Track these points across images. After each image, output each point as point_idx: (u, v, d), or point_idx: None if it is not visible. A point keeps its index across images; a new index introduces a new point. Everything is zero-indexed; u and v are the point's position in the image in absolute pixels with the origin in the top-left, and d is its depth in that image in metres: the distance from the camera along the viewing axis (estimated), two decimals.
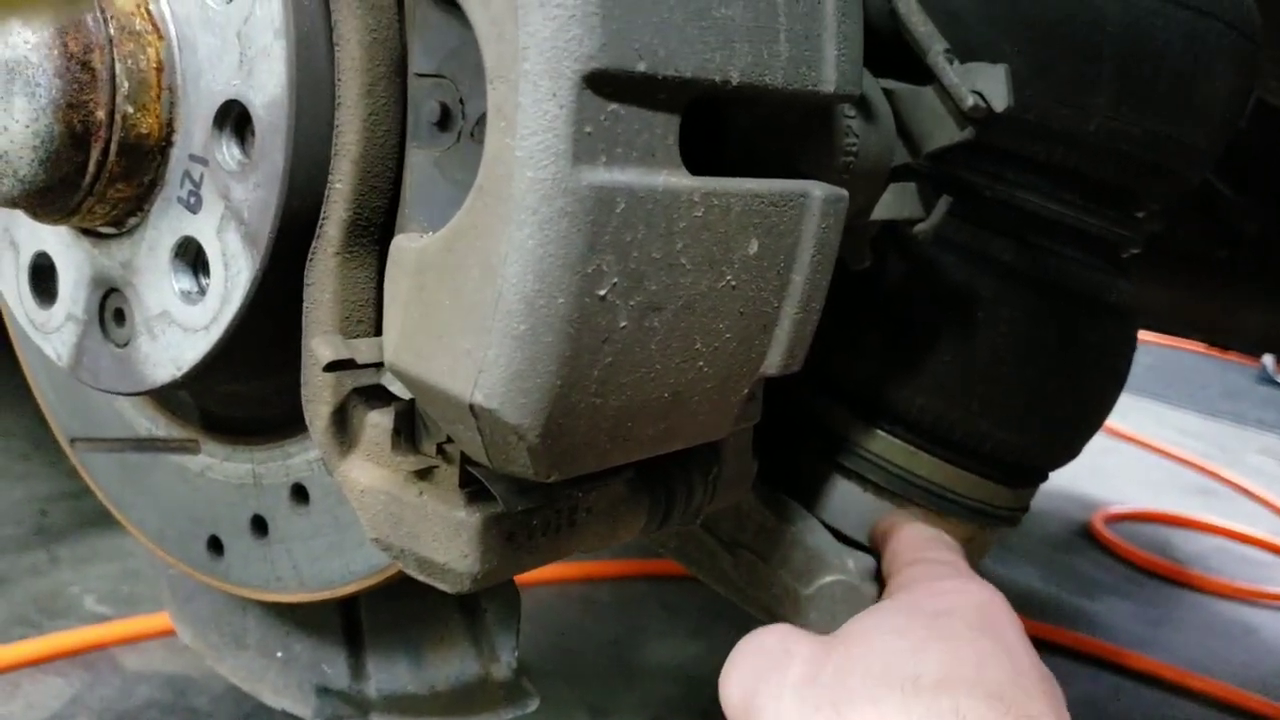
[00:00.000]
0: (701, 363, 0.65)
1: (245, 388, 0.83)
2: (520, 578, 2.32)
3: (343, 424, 0.68)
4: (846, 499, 1.02)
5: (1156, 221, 1.09)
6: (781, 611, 0.99)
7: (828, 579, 0.97)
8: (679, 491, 0.78)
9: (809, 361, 0.94)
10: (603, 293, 0.56)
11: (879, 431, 1.00)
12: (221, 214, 0.69)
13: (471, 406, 0.56)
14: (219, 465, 0.86)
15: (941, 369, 0.97)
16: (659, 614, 2.37)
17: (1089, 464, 4.02)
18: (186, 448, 0.87)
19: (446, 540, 0.64)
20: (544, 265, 0.53)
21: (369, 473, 0.67)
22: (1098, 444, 3.74)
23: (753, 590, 1.00)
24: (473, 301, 0.55)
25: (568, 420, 0.58)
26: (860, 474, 1.01)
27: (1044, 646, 2.48)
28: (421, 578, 0.67)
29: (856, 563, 0.98)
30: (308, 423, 0.68)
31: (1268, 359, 5.53)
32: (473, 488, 0.65)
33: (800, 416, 1.03)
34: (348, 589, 0.79)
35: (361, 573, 0.78)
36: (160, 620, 1.88)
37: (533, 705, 0.85)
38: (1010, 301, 0.96)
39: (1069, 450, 1.05)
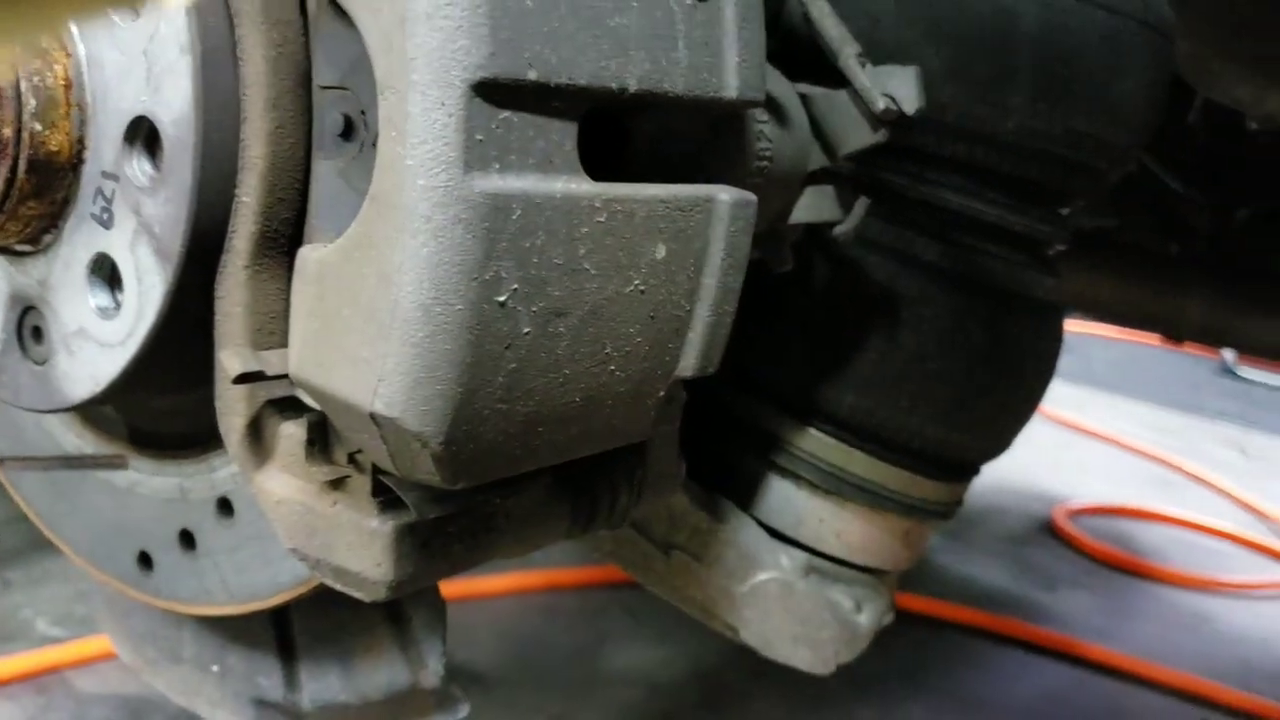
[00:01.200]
0: (613, 366, 0.65)
1: (167, 402, 0.83)
2: (482, 589, 2.31)
3: (257, 436, 0.68)
4: (781, 497, 1.03)
5: (1086, 218, 1.10)
6: (718, 611, 1.00)
7: (761, 577, 0.98)
8: (602, 495, 0.78)
9: (741, 363, 0.95)
10: (502, 299, 0.56)
11: (811, 430, 1.01)
12: (134, 229, 0.69)
13: (373, 415, 0.56)
14: (146, 480, 0.86)
15: (870, 368, 0.98)
16: (622, 621, 2.37)
17: (1051, 459, 4.04)
18: (114, 464, 0.87)
19: (360, 549, 0.65)
20: (439, 272, 0.54)
21: (284, 483, 0.67)
22: (1059, 439, 3.77)
23: (689, 591, 1.01)
24: (371, 310, 0.55)
25: (473, 427, 0.58)
26: (794, 472, 1.02)
27: (1004, 640, 2.50)
28: (338, 587, 0.67)
29: (790, 560, 0.99)
30: (223, 435, 0.68)
31: (1227, 351, 5.59)
32: (386, 497, 0.65)
33: (734, 417, 1.04)
34: (274, 600, 0.80)
35: (287, 584, 0.78)
36: None
37: (463, 711, 0.85)
38: (935, 300, 0.97)
39: (998, 444, 1.07)
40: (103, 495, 0.89)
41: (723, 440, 1.05)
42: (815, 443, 1.01)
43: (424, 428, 0.56)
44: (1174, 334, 2.45)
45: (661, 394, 0.71)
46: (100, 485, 0.89)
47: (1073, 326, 5.61)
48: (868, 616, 1.02)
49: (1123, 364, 5.65)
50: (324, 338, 0.58)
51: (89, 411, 0.89)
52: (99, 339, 0.72)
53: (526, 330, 0.58)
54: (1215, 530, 3.47)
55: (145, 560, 0.87)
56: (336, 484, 0.66)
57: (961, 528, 3.10)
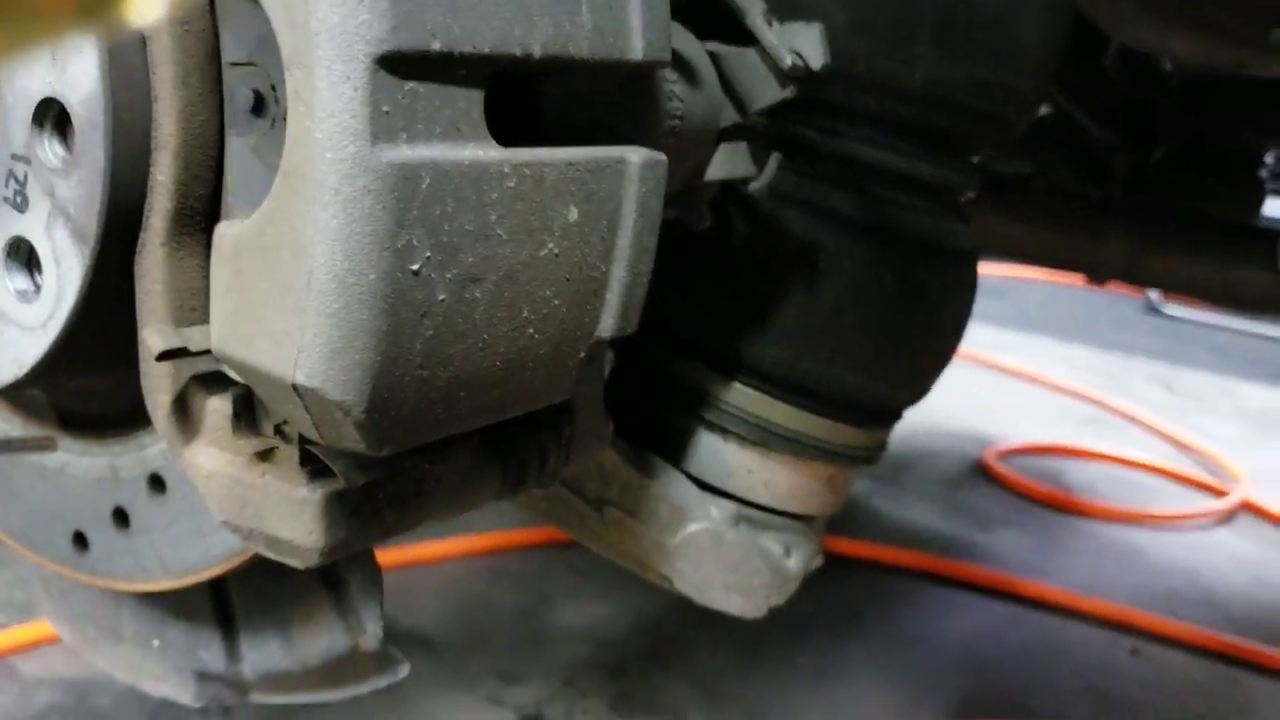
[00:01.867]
0: (531, 330, 0.67)
1: (94, 383, 0.83)
2: (426, 554, 2.32)
3: (184, 412, 0.69)
4: (709, 450, 1.05)
5: (1007, 163, 1.13)
6: (652, 563, 1.02)
7: (693, 528, 1.01)
8: (530, 456, 0.80)
9: (665, 321, 0.97)
10: (416, 267, 0.57)
11: (736, 384, 1.04)
12: (49, 212, 0.69)
13: (295, 386, 0.57)
14: (77, 461, 0.86)
15: (790, 321, 1.00)
16: (567, 579, 2.40)
17: (982, 402, 4.11)
18: (43, 446, 0.87)
19: (291, 518, 0.66)
20: (351, 243, 0.55)
21: (213, 457, 0.68)
22: (990, 382, 3.83)
23: (623, 545, 1.03)
24: (287, 283, 0.56)
25: (394, 394, 0.59)
26: (721, 426, 1.05)
27: (940, 580, 2.56)
28: (272, 556, 0.68)
29: (720, 511, 1.01)
30: (150, 412, 0.69)
31: (1152, 290, 5.70)
32: (314, 466, 0.66)
33: (660, 375, 1.06)
34: (210, 572, 0.81)
35: (220, 556, 0.80)
36: None
37: (403, 672, 0.87)
38: (850, 252, 1.00)
39: (917, 390, 1.10)
40: (34, 478, 0.89)
41: (650, 398, 1.07)
42: (740, 396, 1.04)
43: (345, 396, 0.57)
44: (1096, 276, 2.50)
45: (582, 355, 0.73)
46: (31, 468, 0.89)
47: (1002, 270, 5.69)
48: (797, 561, 1.05)
49: (1051, 306, 5.76)
50: (243, 312, 0.59)
51: (15, 395, 0.89)
52: (20, 323, 0.73)
53: (442, 297, 0.59)
54: (1144, 465, 3.56)
55: (80, 540, 0.88)
56: (265, 455, 0.67)
57: (895, 472, 3.16)
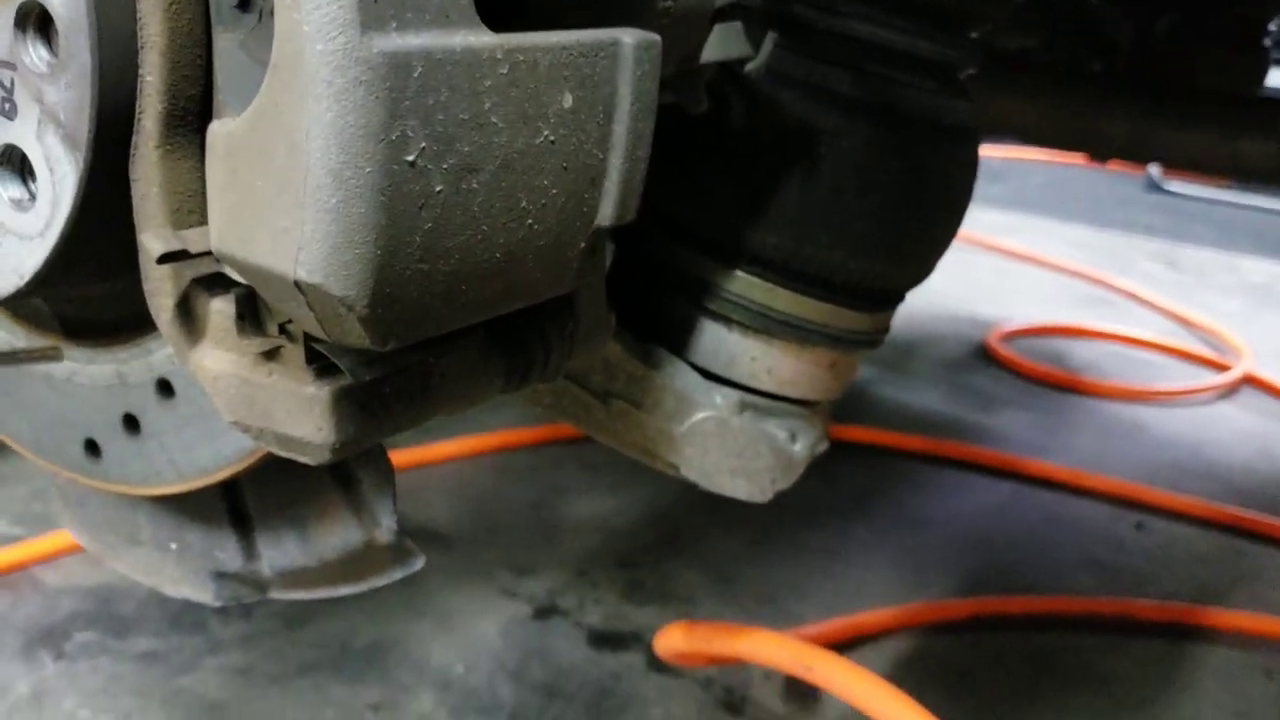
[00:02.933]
0: (530, 220, 0.67)
1: (97, 289, 0.83)
2: (437, 454, 2.34)
3: (188, 315, 0.69)
4: (712, 339, 1.05)
5: (1009, 39, 1.11)
6: (659, 452, 1.03)
7: (698, 416, 1.01)
8: (535, 349, 0.80)
9: (666, 210, 0.96)
10: (411, 158, 0.57)
11: (738, 272, 1.03)
12: (38, 118, 0.69)
13: (296, 283, 0.57)
14: (84, 369, 0.87)
15: (790, 205, 1.00)
16: (577, 473, 2.42)
17: (985, 285, 4.11)
18: (49, 356, 0.87)
19: (300, 416, 0.66)
20: (346, 136, 0.54)
21: (219, 359, 0.68)
22: (993, 265, 3.85)
23: (629, 436, 1.04)
24: (283, 180, 0.56)
25: (396, 288, 0.59)
26: (724, 314, 1.05)
27: (945, 462, 2.59)
28: (283, 454, 0.69)
29: (724, 398, 1.02)
30: (154, 317, 0.69)
31: (1153, 166, 5.65)
32: (320, 363, 0.67)
33: (663, 265, 1.06)
34: (222, 474, 0.81)
35: (231, 457, 0.80)
36: None
37: (419, 564, 0.88)
38: (850, 132, 0.99)
39: (920, 271, 1.09)
40: (42, 388, 0.89)
41: (652, 288, 1.07)
42: (742, 284, 1.03)
43: (347, 291, 0.57)
44: (1099, 152, 2.48)
45: (583, 245, 0.72)
46: (39, 378, 0.89)
47: (1003, 153, 5.63)
48: (802, 445, 1.06)
49: (1053, 187, 5.72)
50: (241, 211, 0.59)
51: (17, 306, 0.89)
52: (18, 232, 0.72)
53: (439, 188, 0.59)
54: (1147, 342, 3.57)
55: (92, 448, 0.88)
56: (271, 355, 0.67)
57: (900, 358, 3.17)
